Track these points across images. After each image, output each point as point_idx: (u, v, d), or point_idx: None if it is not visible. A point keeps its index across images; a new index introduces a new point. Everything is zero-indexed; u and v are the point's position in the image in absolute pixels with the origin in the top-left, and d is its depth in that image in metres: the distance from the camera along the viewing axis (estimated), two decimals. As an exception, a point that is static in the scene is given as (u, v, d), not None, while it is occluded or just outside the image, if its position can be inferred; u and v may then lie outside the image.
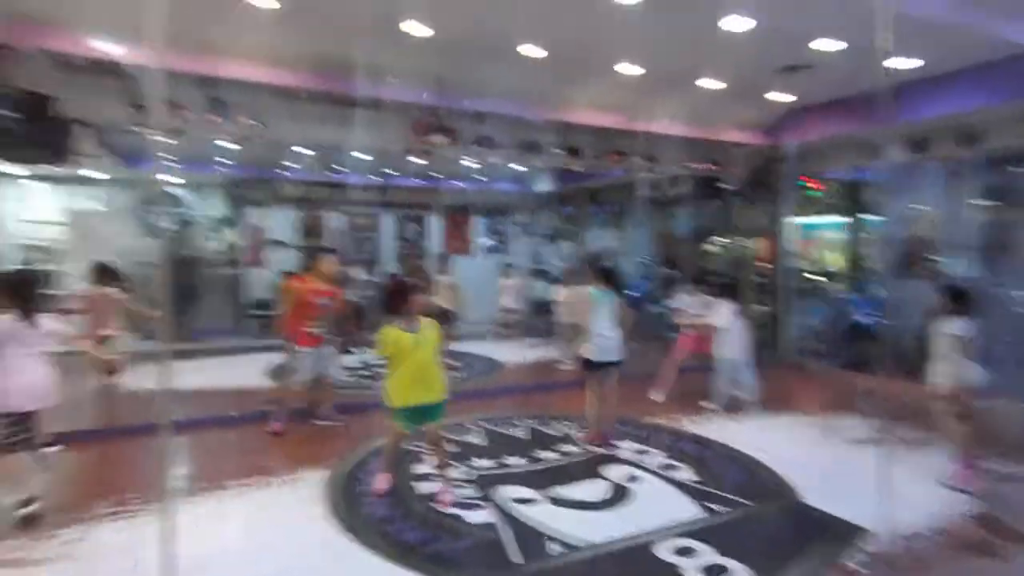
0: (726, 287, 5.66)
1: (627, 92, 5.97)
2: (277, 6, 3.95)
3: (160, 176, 9.40)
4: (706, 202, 9.04)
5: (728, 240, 9.00)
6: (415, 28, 4.38)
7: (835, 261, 8.24)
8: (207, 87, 4.98)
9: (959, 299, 3.75)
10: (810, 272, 8.26)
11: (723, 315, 5.38)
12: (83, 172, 8.67)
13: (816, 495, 3.56)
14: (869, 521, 3.08)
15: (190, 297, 8.86)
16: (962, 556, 2.97)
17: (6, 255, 8.99)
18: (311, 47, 4.81)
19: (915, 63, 5.17)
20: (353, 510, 3.33)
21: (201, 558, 2.72)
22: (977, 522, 3.25)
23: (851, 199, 8.12)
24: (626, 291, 9.81)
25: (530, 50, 4.85)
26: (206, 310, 9.04)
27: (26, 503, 3.15)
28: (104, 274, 5.34)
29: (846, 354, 7.27)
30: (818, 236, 8.43)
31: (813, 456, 4.33)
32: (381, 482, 3.61)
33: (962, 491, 3.58)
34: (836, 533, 3.13)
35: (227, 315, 9.47)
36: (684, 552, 2.91)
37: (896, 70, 4.97)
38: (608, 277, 4.58)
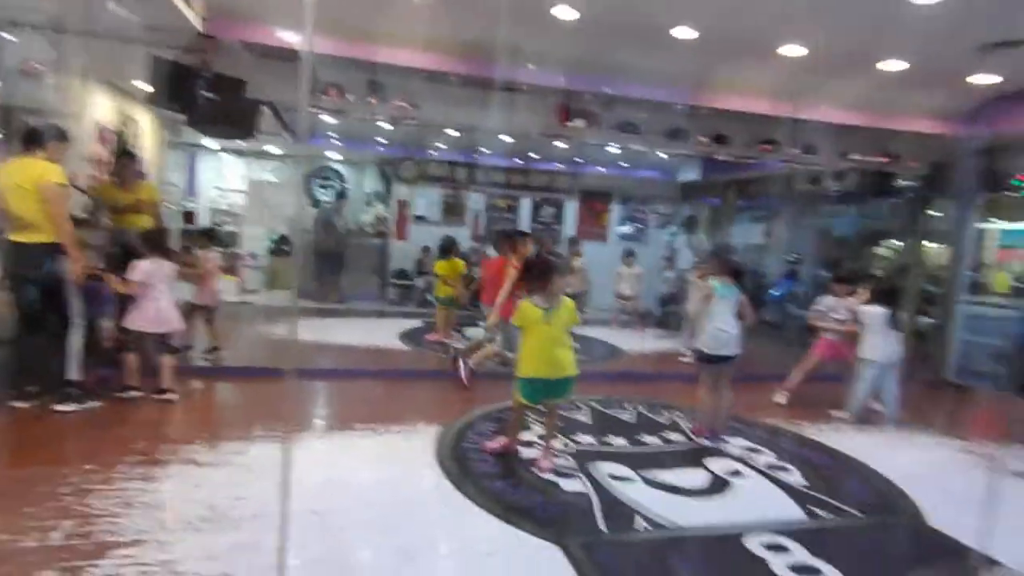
0: (881, 292, 5.15)
1: (786, 75, 5.54)
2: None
3: (325, 152, 10.59)
4: (875, 200, 8.15)
5: (899, 243, 8.11)
6: (562, 11, 4.49)
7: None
8: (367, 71, 5.51)
9: None
10: (1004, 284, 7.20)
11: (871, 318, 4.95)
12: (263, 147, 9.93)
13: (947, 521, 3.21)
14: (1010, 558, 2.73)
15: (341, 264, 9.84)
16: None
17: (202, 216, 10.60)
18: (460, 32, 5.09)
19: None
20: (458, 462, 3.61)
21: (331, 481, 3.20)
22: None
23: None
24: (769, 291, 9.32)
25: (680, 31, 4.72)
26: (355, 276, 9.99)
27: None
28: (206, 239, 5.84)
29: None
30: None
31: (953, 481, 3.88)
32: (495, 443, 3.85)
33: None
34: (961, 561, 2.83)
35: (373, 282, 10.38)
36: (776, 548, 2.80)
37: None
38: (734, 272, 4.43)
